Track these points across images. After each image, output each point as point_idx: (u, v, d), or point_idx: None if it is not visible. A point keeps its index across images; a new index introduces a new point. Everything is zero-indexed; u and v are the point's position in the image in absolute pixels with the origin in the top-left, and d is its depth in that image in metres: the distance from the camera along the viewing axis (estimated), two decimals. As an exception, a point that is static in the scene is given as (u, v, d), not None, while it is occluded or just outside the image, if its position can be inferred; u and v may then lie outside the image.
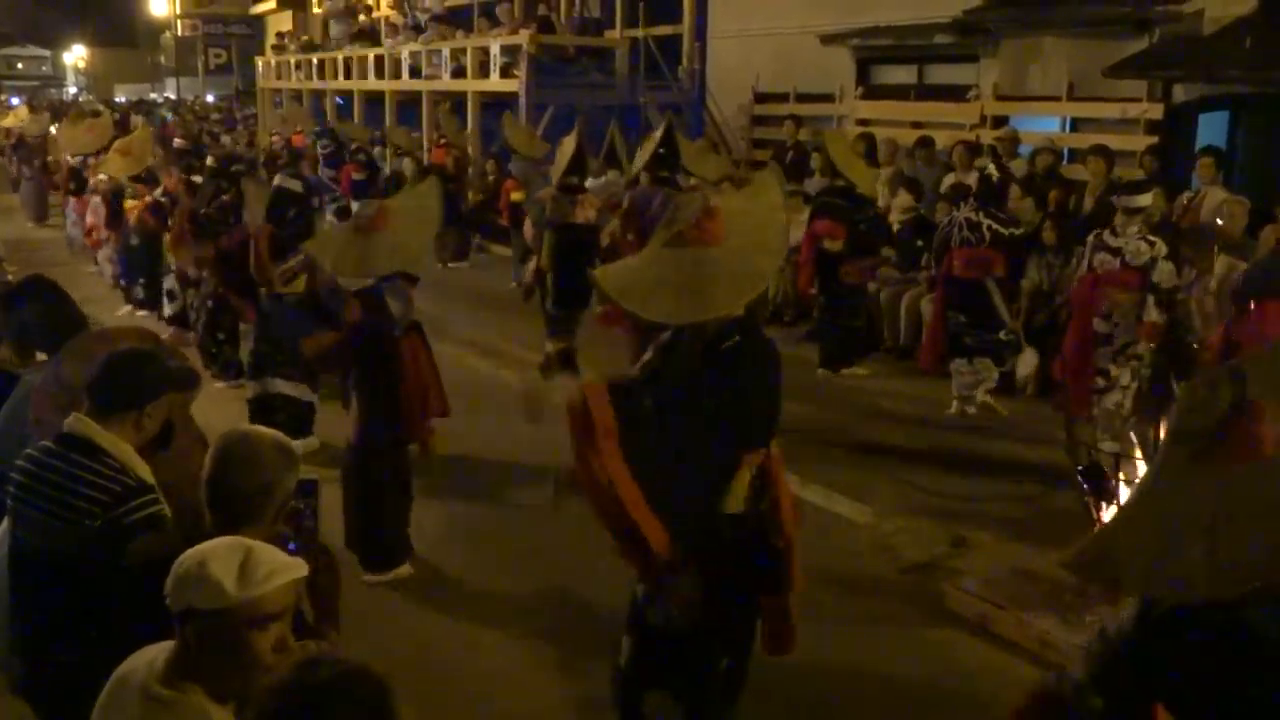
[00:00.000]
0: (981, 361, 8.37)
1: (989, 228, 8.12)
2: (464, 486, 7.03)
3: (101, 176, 12.25)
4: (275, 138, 21.48)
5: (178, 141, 12.89)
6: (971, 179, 10.38)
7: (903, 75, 14.48)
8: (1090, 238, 7.24)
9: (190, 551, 2.36)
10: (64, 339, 4.00)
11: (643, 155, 9.68)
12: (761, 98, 15.89)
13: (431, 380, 5.86)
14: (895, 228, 10.64)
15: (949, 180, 10.62)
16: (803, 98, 15.04)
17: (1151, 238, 6.97)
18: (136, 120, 27.12)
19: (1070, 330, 7.24)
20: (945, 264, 8.35)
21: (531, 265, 9.92)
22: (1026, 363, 8.60)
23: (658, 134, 9.67)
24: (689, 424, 3.59)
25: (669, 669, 3.93)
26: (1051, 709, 2.34)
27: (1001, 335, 8.29)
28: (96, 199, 12.46)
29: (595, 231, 9.31)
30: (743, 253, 3.66)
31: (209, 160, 11.80)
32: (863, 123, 13.70)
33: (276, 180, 8.80)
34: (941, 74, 13.92)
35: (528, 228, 10.53)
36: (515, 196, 13.12)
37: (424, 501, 6.15)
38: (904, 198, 10.79)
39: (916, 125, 12.98)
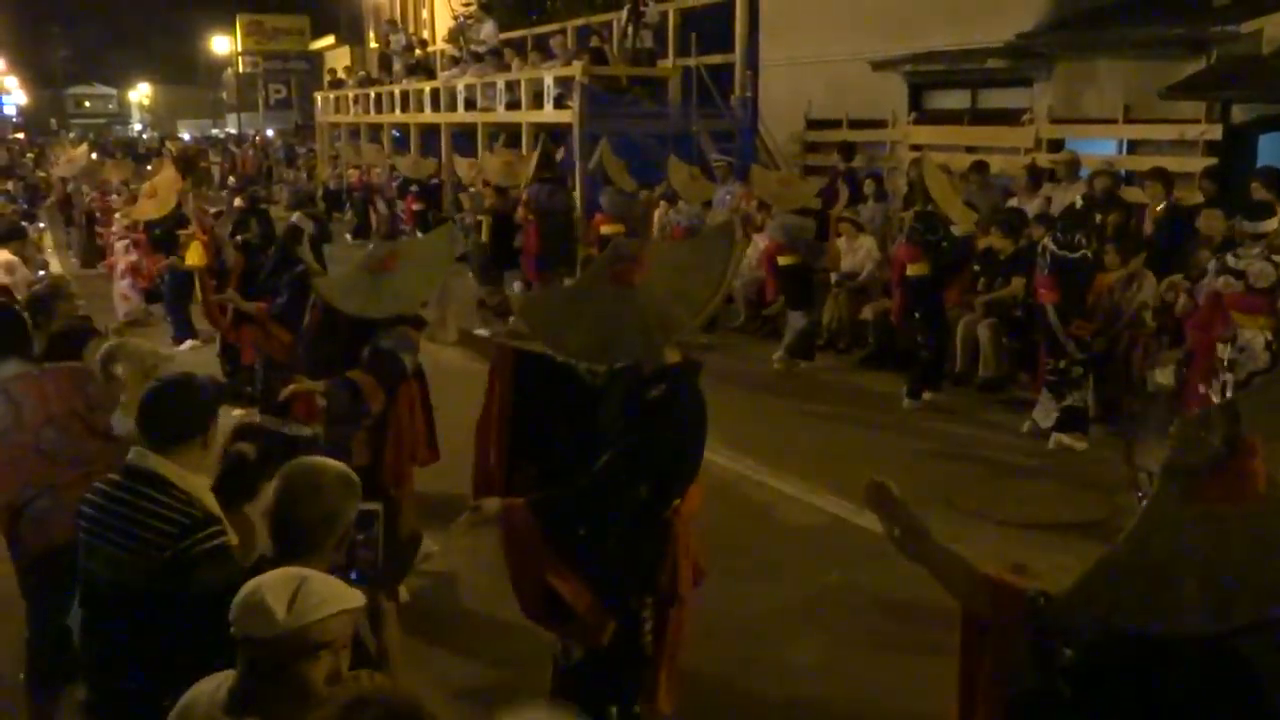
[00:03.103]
0: (1042, 394, 8.26)
1: (1050, 253, 8.02)
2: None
3: (126, 222, 12.51)
4: (354, 171, 21.82)
5: (230, 179, 13.04)
6: (1034, 204, 10.31)
7: (956, 100, 14.41)
8: (1213, 261, 7.15)
9: (252, 580, 2.39)
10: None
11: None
12: (813, 124, 15.88)
13: (423, 430, 5.70)
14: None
15: (1011, 205, 10.58)
16: (855, 124, 15.00)
17: (1277, 258, 6.82)
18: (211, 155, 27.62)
19: (1193, 354, 7.14)
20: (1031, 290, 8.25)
21: None
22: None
23: (538, 151, 13.76)
24: (613, 471, 3.46)
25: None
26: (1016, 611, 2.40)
27: (1061, 365, 8.15)
28: (122, 243, 12.74)
29: None
30: (660, 302, 3.53)
31: (242, 197, 11.92)
32: (916, 148, 13.62)
33: (293, 218, 8.91)
34: (995, 98, 13.83)
35: None
36: (607, 230, 12.87)
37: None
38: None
39: (970, 150, 12.90)
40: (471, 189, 15.45)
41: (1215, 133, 10.82)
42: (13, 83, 67.99)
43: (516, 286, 13.75)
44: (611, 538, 3.51)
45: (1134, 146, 11.76)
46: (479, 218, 13.73)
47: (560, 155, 15.22)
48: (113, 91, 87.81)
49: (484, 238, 13.39)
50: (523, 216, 13.17)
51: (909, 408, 9.37)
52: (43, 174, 29.33)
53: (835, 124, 15.29)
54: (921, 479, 7.76)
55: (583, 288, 3.74)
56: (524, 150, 16.12)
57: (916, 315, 9.49)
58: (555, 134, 16.33)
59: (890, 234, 12.03)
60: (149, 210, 11.64)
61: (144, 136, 62.54)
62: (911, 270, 9.31)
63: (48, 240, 16.46)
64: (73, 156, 17.07)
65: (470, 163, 16.56)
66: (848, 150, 13.93)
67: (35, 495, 3.86)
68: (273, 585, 2.34)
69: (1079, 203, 8.81)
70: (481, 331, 12.37)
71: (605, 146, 13.87)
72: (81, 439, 3.93)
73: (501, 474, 3.77)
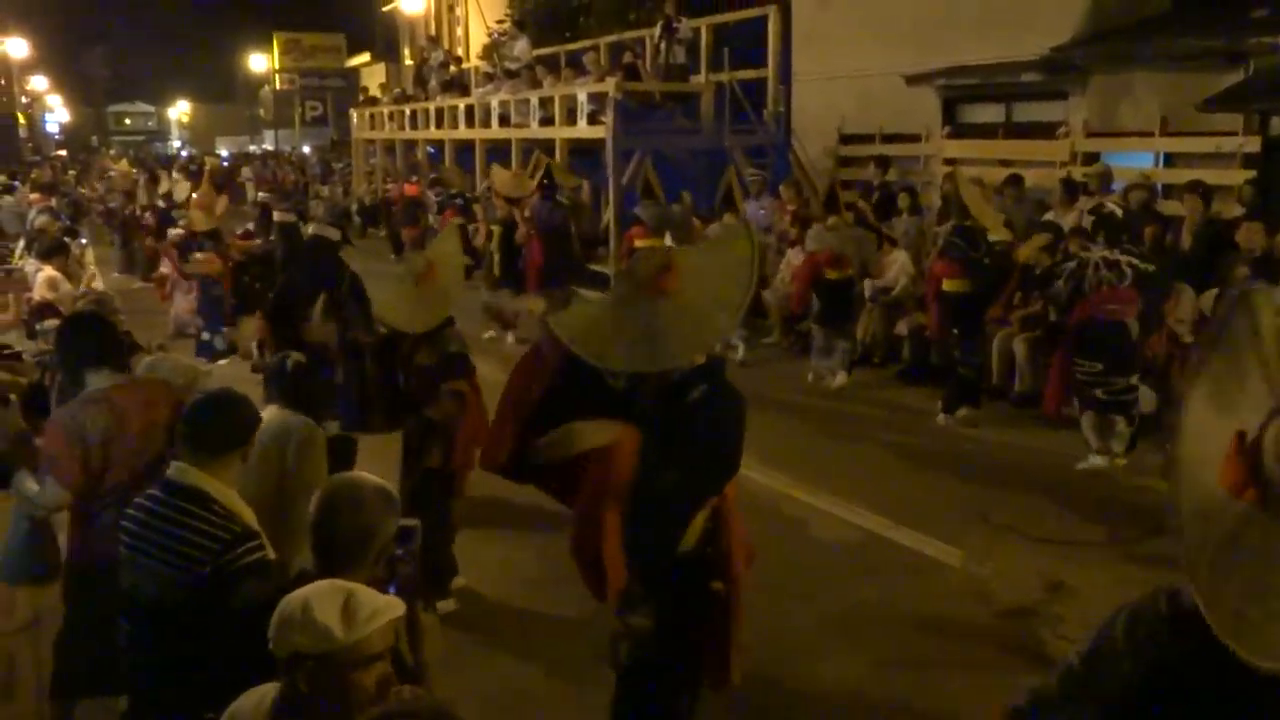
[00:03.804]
0: (1114, 418, 8.03)
1: (1129, 264, 7.80)
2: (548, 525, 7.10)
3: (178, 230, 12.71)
4: (391, 187, 21.98)
5: (262, 195, 13.15)
6: (1070, 217, 10.24)
7: (990, 114, 14.35)
8: (1249, 274, 7.07)
9: (292, 596, 2.42)
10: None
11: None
12: (847, 139, 15.86)
13: (481, 422, 5.86)
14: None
15: (1046, 218, 10.50)
16: (889, 138, 14.98)
17: None
18: (245, 172, 27.95)
19: None
20: (1081, 309, 7.96)
21: None
22: (1148, 401, 8.32)
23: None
24: (648, 465, 3.55)
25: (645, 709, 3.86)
26: None
27: (1133, 380, 7.99)
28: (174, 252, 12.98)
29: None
30: (698, 307, 3.62)
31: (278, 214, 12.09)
32: (950, 162, 13.57)
33: (312, 229, 8.96)
34: (1029, 111, 13.77)
35: None
36: (641, 243, 12.76)
37: (517, 541, 6.20)
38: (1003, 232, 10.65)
39: (1004, 163, 12.84)
40: (484, 199, 15.75)
41: (1253, 145, 10.72)
42: (56, 101, 69.17)
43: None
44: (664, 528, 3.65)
45: (1171, 159, 11.67)
46: (491, 227, 14.28)
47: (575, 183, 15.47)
48: (152, 109, 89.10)
49: (494, 247, 13.92)
50: (524, 234, 13.60)
51: (944, 423, 9.33)
52: (83, 189, 29.78)
53: (868, 138, 15.27)
54: (956, 494, 7.74)
55: (619, 299, 3.75)
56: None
57: (955, 331, 9.43)
58: (589, 151, 16.39)
59: (925, 248, 11.99)
60: (201, 221, 11.87)
61: (183, 154, 63.35)
62: (950, 286, 9.22)
63: (90, 256, 16.67)
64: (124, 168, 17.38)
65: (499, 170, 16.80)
66: (883, 164, 13.90)
67: (108, 503, 3.92)
68: (321, 601, 2.36)
69: (1118, 211, 8.71)
70: (489, 333, 12.88)
71: (648, 163, 13.87)
72: (161, 452, 3.98)
73: (513, 446, 3.80)
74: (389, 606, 2.42)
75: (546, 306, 4.25)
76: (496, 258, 13.83)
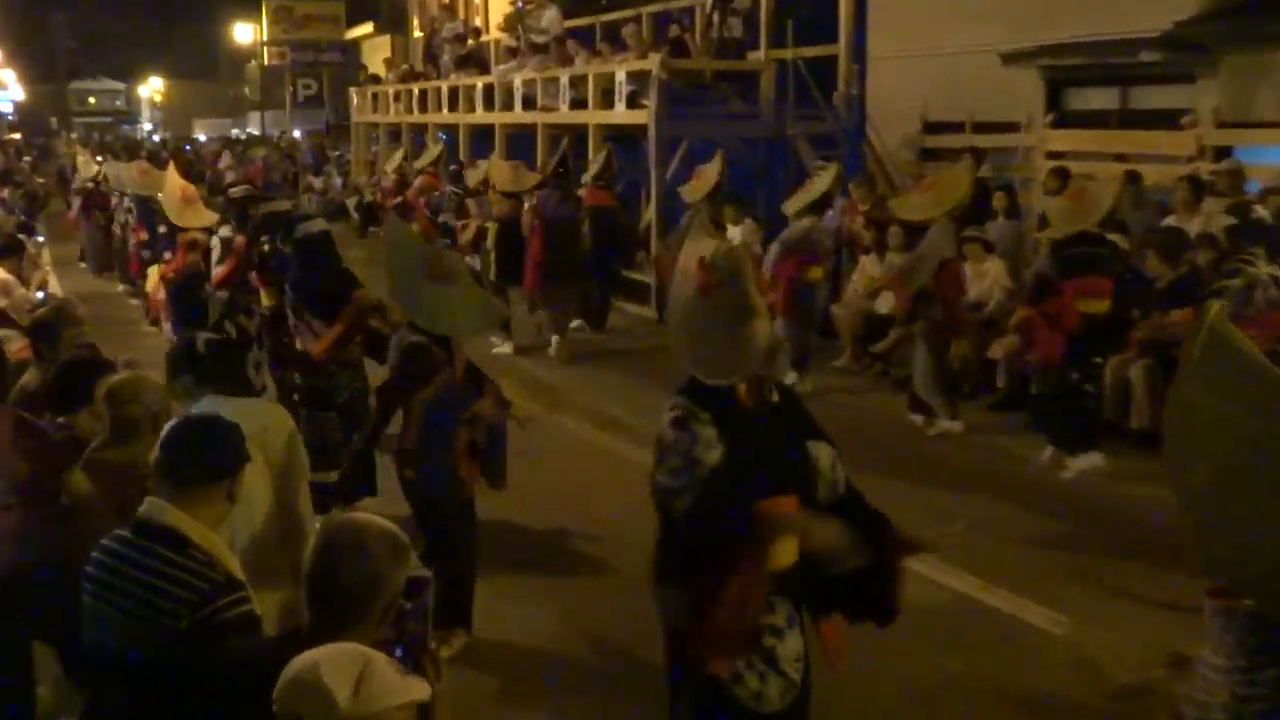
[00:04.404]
0: None
1: None
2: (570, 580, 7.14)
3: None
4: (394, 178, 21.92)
5: (234, 190, 13.18)
6: (1195, 223, 10.17)
7: (1102, 99, 14.29)
8: None
9: (306, 655, 2.44)
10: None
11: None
12: (931, 128, 15.84)
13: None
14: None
15: (1166, 223, 10.44)
16: (981, 127, 14.94)
17: None
18: (226, 158, 28.33)
19: None
20: None
21: None
22: None
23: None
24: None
25: None
26: None
27: None
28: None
29: None
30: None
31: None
32: (1054, 155, 13.54)
33: (299, 231, 9.07)
34: (1149, 97, 13.70)
35: None
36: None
37: (539, 597, 6.20)
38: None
39: (1119, 158, 12.78)
40: (478, 194, 16.01)
41: None
42: (9, 76, 70.05)
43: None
44: None
45: (1318, 155, 11.59)
46: (485, 225, 14.52)
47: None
48: (120, 86, 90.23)
49: (490, 246, 14.24)
50: (528, 225, 13.96)
51: (1050, 464, 9.21)
52: (40, 179, 30.27)
53: (957, 127, 15.24)
54: (1061, 551, 7.70)
55: (707, 303, 3.88)
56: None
57: (1097, 360, 9.19)
58: (627, 139, 16.46)
59: (1023, 257, 11.94)
60: (192, 218, 12.02)
61: (154, 138, 64.16)
62: (1089, 306, 8.99)
63: (47, 256, 16.95)
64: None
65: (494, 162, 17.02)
66: (977, 157, 13.77)
67: None
68: (333, 666, 2.39)
69: (1267, 216, 8.61)
70: (502, 349, 13.35)
71: (721, 157, 13.80)
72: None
73: None
74: (408, 689, 2.44)
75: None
76: (493, 257, 14.19)
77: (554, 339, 13.48)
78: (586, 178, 14.64)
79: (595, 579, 7.31)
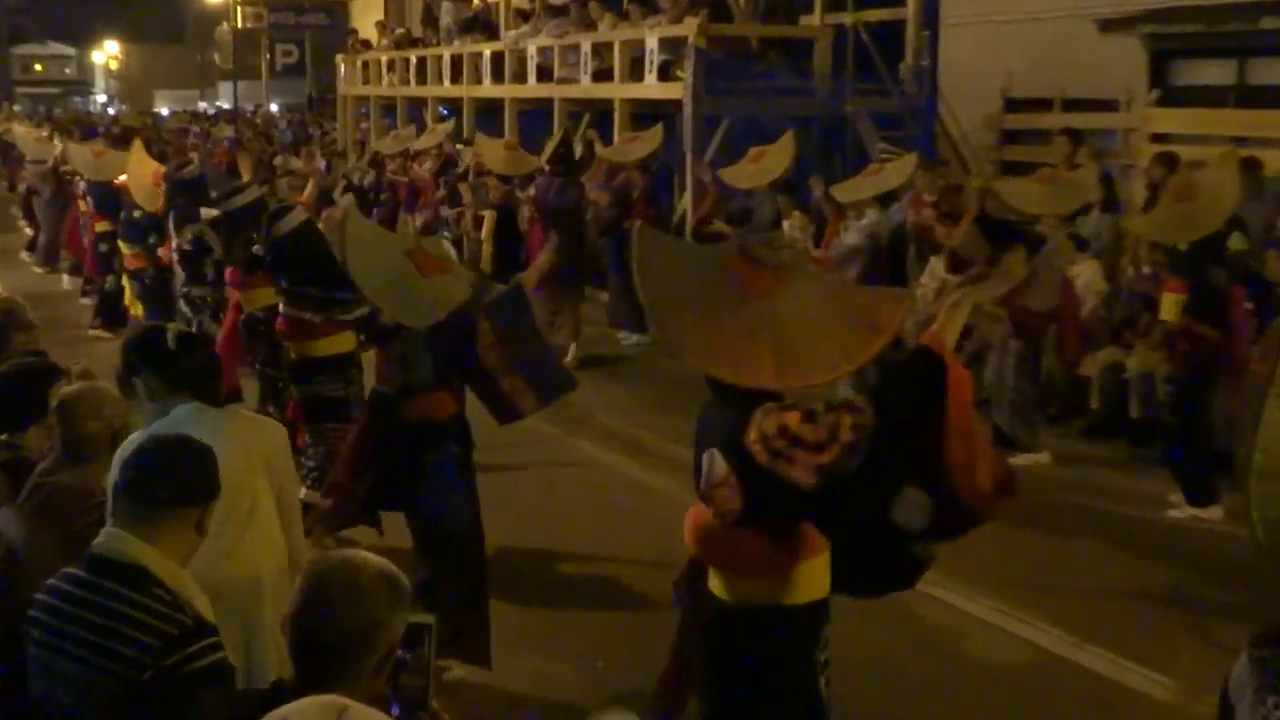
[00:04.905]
0: None
1: None
2: (598, 616, 7.18)
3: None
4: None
5: (186, 171, 13.23)
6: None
7: (1217, 73, 14.27)
8: None
9: (275, 713, 2.44)
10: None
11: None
12: (1015, 105, 15.81)
13: None
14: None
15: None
16: (1073, 105, 14.91)
17: None
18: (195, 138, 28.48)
19: None
20: None
21: None
22: None
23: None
24: None
25: None
26: None
27: None
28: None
29: None
30: (803, 328, 4.05)
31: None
32: (1159, 138, 13.49)
33: (281, 225, 9.17)
34: (1270, 71, 13.66)
35: None
36: None
37: (553, 649, 6.20)
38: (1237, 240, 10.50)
39: (1237, 141, 12.73)
40: (472, 179, 16.26)
41: None
42: (-59, 40, 70.45)
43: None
44: None
45: None
46: (481, 213, 14.99)
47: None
48: (71, 51, 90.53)
49: (485, 237, 14.72)
50: (527, 214, 14.45)
51: (1183, 514, 9.10)
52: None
53: (1044, 104, 15.22)
54: (1168, 603, 7.68)
55: (706, 291, 4.09)
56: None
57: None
58: (659, 116, 16.47)
59: (1122, 257, 11.89)
60: (146, 199, 12.19)
61: (110, 111, 64.42)
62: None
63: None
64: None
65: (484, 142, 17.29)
66: (1075, 138, 13.63)
67: None
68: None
69: None
70: None
71: (792, 137, 13.74)
72: None
73: None
74: None
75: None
76: (488, 249, 14.68)
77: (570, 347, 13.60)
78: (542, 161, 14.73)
79: (615, 626, 7.32)
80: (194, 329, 10.07)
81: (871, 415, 3.89)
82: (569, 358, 13.32)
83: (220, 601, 4.05)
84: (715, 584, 4.35)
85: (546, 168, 14.20)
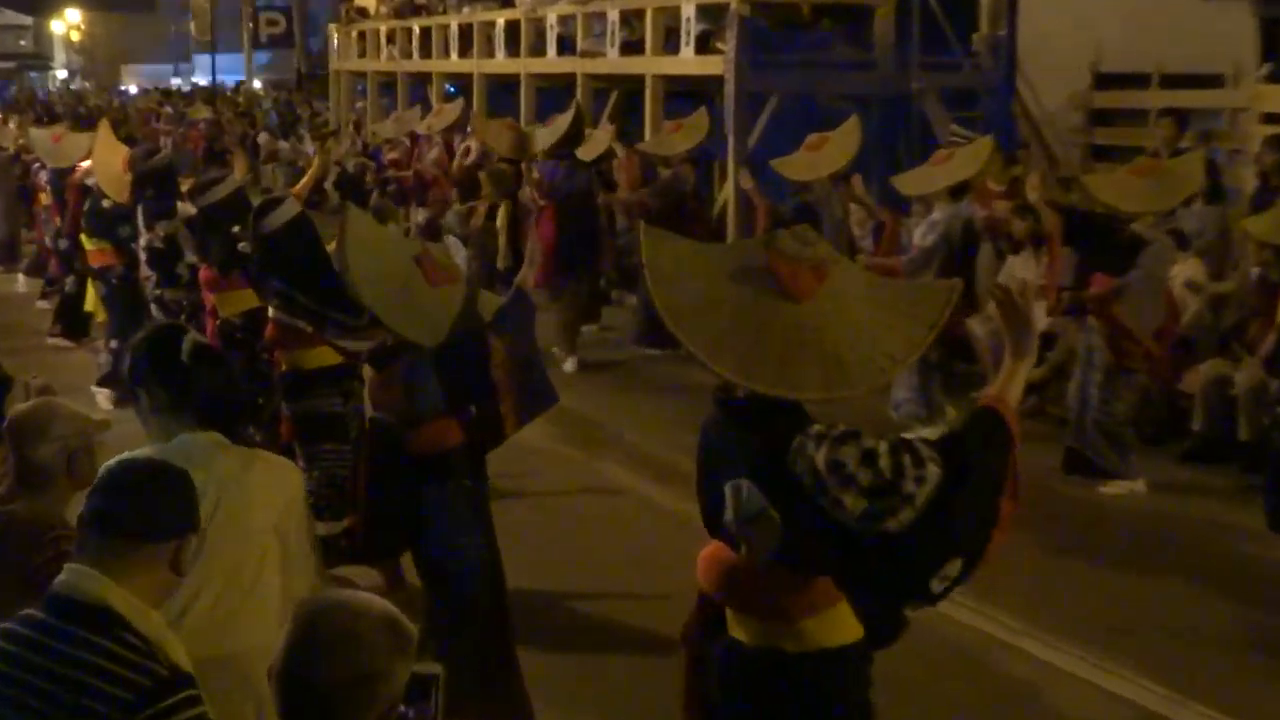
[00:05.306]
0: None
1: None
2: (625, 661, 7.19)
3: None
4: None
5: (156, 159, 13.31)
6: None
7: (1336, 47, 14.23)
8: None
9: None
10: None
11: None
12: (1105, 81, 15.78)
13: None
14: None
15: None
16: (1171, 81, 14.88)
17: None
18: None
19: None
20: None
21: None
22: None
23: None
24: None
25: None
26: None
27: None
28: None
29: None
30: (848, 331, 4.06)
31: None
32: (1270, 118, 13.44)
33: (270, 219, 9.24)
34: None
35: None
36: None
37: (573, 702, 6.20)
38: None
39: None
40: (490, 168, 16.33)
41: None
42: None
43: None
44: None
45: None
46: (495, 203, 15.31)
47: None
48: (28, 21, 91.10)
49: (499, 226, 15.07)
50: (534, 201, 14.66)
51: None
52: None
53: (1140, 80, 15.18)
54: (1252, 648, 7.67)
55: (738, 295, 4.09)
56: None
57: None
58: (697, 94, 16.48)
59: (1231, 254, 11.85)
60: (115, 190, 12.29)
61: (71, 87, 64.81)
62: None
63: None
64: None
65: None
66: (1181, 120, 13.52)
67: None
68: None
69: None
70: None
71: (857, 123, 13.66)
72: None
73: None
74: None
75: None
76: (502, 240, 15.02)
77: (570, 359, 13.81)
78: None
79: (646, 675, 7.28)
80: None
81: (940, 468, 3.89)
82: (567, 365, 13.44)
83: (227, 670, 4.08)
84: (741, 631, 4.33)
85: (560, 151, 14.56)
